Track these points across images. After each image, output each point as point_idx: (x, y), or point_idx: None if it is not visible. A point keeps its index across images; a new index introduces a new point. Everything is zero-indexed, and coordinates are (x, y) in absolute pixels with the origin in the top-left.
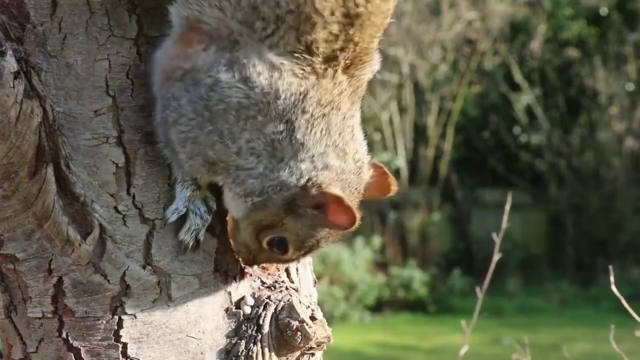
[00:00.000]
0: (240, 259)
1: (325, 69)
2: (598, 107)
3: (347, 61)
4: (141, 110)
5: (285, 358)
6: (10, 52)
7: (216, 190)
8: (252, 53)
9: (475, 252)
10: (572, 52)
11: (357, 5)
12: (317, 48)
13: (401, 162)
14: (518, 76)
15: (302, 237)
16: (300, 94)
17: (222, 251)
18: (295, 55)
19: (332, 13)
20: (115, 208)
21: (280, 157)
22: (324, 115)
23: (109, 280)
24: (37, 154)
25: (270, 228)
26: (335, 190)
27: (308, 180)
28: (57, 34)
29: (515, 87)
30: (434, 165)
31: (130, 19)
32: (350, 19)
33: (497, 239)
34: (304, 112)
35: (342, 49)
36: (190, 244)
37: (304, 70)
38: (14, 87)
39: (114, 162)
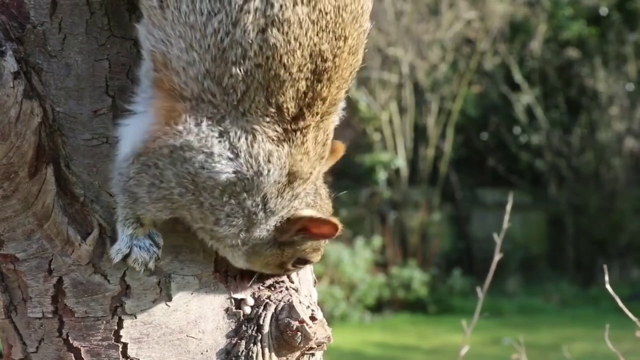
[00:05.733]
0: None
1: (295, 132)
2: (598, 107)
3: (317, 117)
4: None
5: (285, 358)
6: (10, 52)
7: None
8: (234, 123)
9: (475, 252)
10: (572, 52)
11: (325, 61)
12: (287, 108)
13: (401, 162)
14: (518, 76)
15: (311, 248)
16: (280, 168)
17: None
18: (267, 118)
19: (300, 69)
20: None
21: (254, 223)
22: (289, 182)
23: (109, 281)
24: (37, 154)
25: (283, 262)
26: (304, 212)
27: (276, 223)
28: (57, 34)
29: (515, 87)
30: (434, 165)
31: (130, 19)
32: (318, 75)
33: (497, 239)
34: (277, 183)
35: (309, 105)
36: (142, 271)
37: (277, 132)
38: (14, 87)
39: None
